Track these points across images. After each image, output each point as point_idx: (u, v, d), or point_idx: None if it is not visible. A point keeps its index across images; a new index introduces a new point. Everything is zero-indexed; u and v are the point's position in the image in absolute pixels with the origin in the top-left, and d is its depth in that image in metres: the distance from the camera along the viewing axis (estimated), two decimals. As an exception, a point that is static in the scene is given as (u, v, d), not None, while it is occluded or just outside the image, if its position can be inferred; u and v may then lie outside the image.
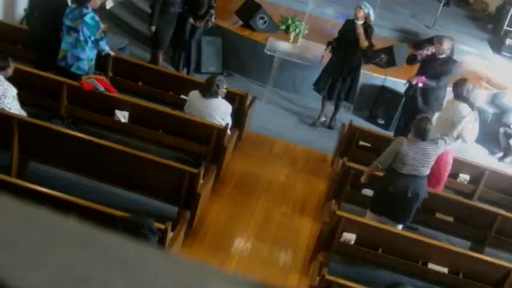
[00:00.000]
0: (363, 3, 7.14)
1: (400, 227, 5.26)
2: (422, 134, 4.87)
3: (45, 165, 5.25)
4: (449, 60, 6.57)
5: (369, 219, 5.23)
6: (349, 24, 7.25)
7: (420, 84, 6.56)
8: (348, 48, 7.21)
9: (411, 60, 7.00)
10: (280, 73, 8.08)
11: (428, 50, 6.60)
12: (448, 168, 5.90)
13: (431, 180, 5.80)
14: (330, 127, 7.80)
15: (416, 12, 11.24)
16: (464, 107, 5.63)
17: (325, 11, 9.87)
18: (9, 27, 7.08)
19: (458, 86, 5.74)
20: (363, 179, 5.33)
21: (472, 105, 5.68)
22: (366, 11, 7.09)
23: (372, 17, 7.19)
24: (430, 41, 9.72)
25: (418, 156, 4.89)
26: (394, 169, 4.96)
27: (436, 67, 6.57)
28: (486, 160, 7.59)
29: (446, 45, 6.51)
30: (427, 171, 5.00)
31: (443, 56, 6.54)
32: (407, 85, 6.85)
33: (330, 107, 7.80)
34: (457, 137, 5.56)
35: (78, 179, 5.20)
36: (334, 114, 7.79)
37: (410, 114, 6.56)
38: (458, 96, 5.71)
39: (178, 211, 4.96)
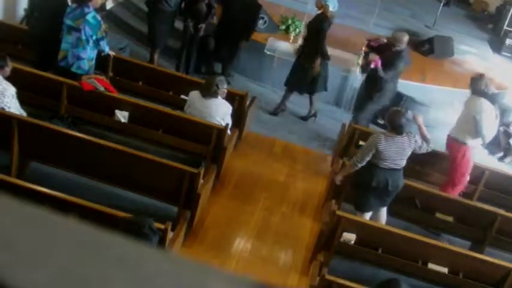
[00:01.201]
0: None
1: (385, 209, 5.34)
2: (397, 129, 4.94)
3: (45, 165, 5.25)
4: (399, 54, 6.63)
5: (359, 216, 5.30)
6: (314, 17, 7.31)
7: (372, 65, 6.60)
8: (308, 40, 7.31)
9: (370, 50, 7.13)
10: (280, 73, 8.07)
11: (380, 40, 6.77)
12: (469, 166, 5.93)
13: (449, 181, 5.83)
14: (274, 113, 7.72)
15: (416, 12, 11.24)
16: (484, 102, 5.66)
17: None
18: (9, 27, 7.08)
19: (476, 82, 5.76)
20: (337, 180, 5.35)
21: (492, 100, 5.71)
22: (323, 2, 7.12)
23: (331, 8, 7.15)
24: (430, 41, 9.73)
25: (395, 150, 4.98)
26: (374, 164, 5.03)
27: (388, 57, 6.64)
28: (486, 160, 7.59)
29: (398, 39, 6.60)
30: (404, 162, 5.10)
31: (397, 48, 6.62)
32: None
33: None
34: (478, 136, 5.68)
35: (78, 179, 5.20)
36: (281, 101, 7.74)
37: (364, 98, 6.88)
38: (477, 92, 5.72)
39: (178, 211, 4.96)
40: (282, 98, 7.73)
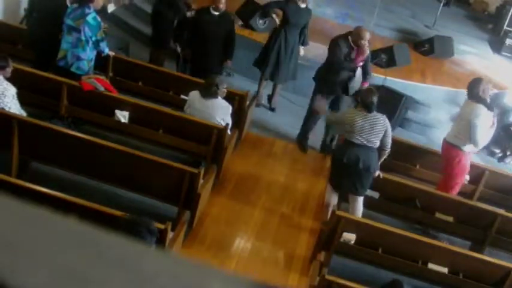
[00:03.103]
0: None
1: (360, 200, 5.38)
2: (367, 107, 5.15)
3: (45, 165, 5.25)
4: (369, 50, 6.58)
5: (328, 191, 5.59)
6: (294, 8, 7.26)
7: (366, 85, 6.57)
8: (290, 30, 7.31)
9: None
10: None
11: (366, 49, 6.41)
12: (465, 171, 5.87)
13: (443, 183, 5.82)
14: (272, 109, 7.84)
15: (416, 12, 11.24)
16: (481, 107, 5.55)
17: (325, 11, 9.88)
18: (9, 27, 7.08)
19: (473, 87, 5.64)
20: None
21: (489, 107, 5.61)
22: None
23: None
24: (430, 41, 9.72)
25: (365, 125, 5.14)
26: (347, 139, 5.24)
27: (365, 62, 6.50)
28: (486, 160, 7.60)
29: (361, 35, 6.27)
30: (376, 142, 5.20)
31: (366, 45, 6.38)
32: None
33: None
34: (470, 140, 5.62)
35: (78, 179, 5.20)
36: (273, 96, 7.84)
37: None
38: (474, 96, 5.61)
39: (178, 211, 4.96)
40: (272, 93, 7.87)
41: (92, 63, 6.14)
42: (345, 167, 5.24)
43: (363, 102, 5.17)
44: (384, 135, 5.22)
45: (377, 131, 5.17)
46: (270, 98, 7.89)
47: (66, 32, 5.98)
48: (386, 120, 5.24)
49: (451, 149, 5.81)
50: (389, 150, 5.33)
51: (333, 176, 5.51)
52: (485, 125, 5.60)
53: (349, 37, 6.38)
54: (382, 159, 5.41)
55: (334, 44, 6.44)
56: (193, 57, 7.24)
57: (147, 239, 3.75)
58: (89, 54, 6.03)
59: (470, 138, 5.63)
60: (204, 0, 7.70)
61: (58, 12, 6.05)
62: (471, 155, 5.87)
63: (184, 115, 5.82)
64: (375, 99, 5.14)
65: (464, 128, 5.63)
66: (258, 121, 7.35)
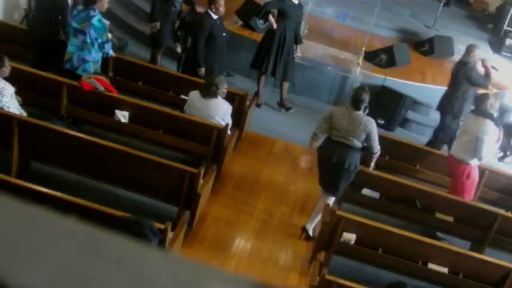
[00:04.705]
0: None
1: (332, 200, 5.33)
2: (355, 103, 5.08)
3: (45, 165, 5.25)
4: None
5: (321, 192, 5.50)
6: (291, 4, 7.33)
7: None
8: (289, 27, 7.36)
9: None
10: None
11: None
12: (475, 185, 5.84)
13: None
14: (287, 108, 7.86)
15: (416, 12, 11.24)
16: (489, 123, 5.52)
17: (325, 11, 9.88)
18: (9, 27, 7.08)
19: (481, 102, 5.60)
20: (303, 161, 5.60)
21: (496, 122, 5.58)
22: None
23: None
24: (430, 41, 9.71)
25: (348, 122, 5.05)
26: (329, 136, 5.20)
27: None
28: (486, 160, 7.58)
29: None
30: (355, 141, 5.09)
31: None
32: None
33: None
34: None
35: (78, 179, 5.20)
36: (283, 94, 7.84)
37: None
38: (481, 112, 5.57)
39: (178, 211, 4.96)
40: (281, 93, 7.88)
41: (98, 64, 6.15)
42: (323, 163, 5.25)
43: (353, 97, 5.16)
44: (367, 139, 5.06)
45: (357, 131, 5.03)
46: (280, 101, 7.85)
47: (72, 35, 5.98)
48: (372, 125, 5.07)
49: (458, 164, 5.74)
50: (377, 153, 5.25)
51: (319, 175, 5.47)
52: (492, 141, 5.59)
53: (474, 58, 6.74)
54: (373, 163, 5.37)
55: (473, 68, 6.70)
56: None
57: (151, 239, 3.76)
58: (94, 56, 6.04)
59: (476, 154, 5.59)
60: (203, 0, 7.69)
61: (58, 12, 6.05)
62: (476, 166, 5.80)
63: (184, 115, 5.82)
64: (365, 97, 5.03)
65: (471, 144, 5.58)
66: (258, 121, 7.34)
